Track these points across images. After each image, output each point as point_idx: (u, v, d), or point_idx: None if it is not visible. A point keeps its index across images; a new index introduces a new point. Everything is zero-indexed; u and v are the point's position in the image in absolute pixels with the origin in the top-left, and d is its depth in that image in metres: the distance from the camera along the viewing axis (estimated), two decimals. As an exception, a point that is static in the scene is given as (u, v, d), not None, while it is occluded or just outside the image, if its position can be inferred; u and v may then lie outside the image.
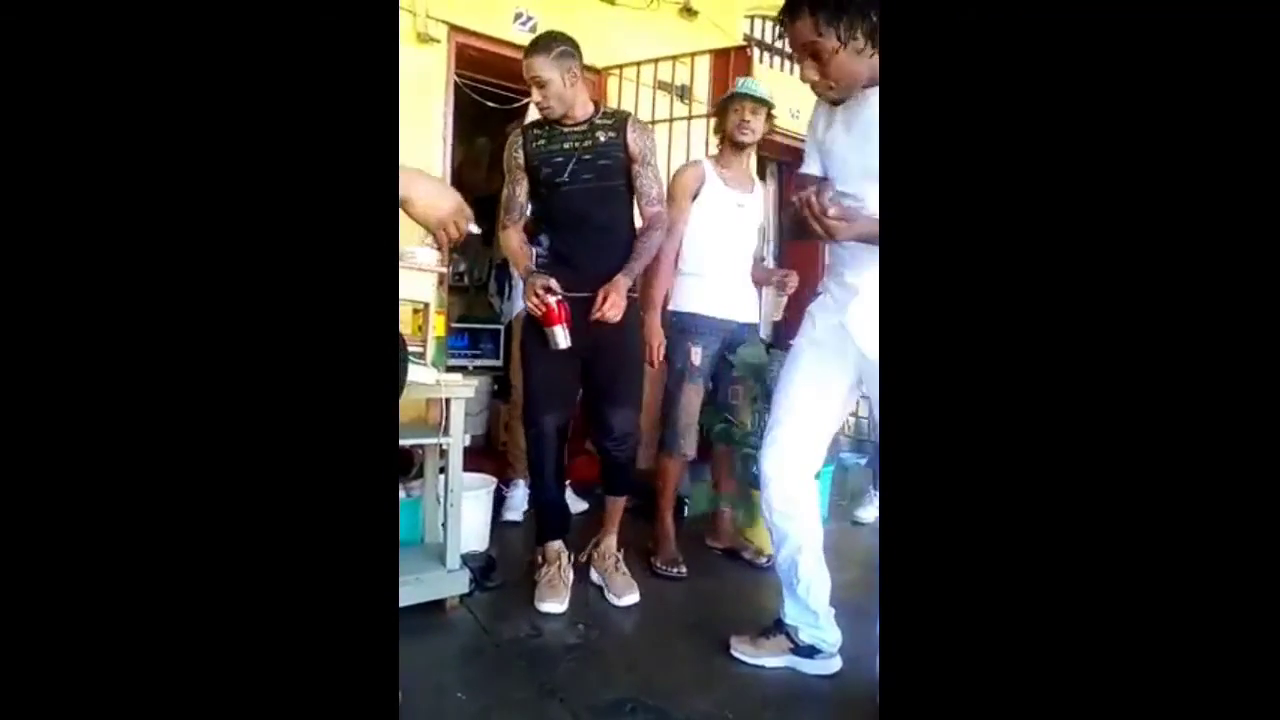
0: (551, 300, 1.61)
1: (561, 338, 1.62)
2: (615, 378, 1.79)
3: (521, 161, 1.76)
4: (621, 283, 1.65)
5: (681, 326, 2.06)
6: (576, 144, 1.71)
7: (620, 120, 1.74)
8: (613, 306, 1.62)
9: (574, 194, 1.71)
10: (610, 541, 1.91)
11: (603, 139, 1.71)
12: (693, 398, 2.06)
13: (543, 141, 1.74)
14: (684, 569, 2.01)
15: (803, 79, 1.25)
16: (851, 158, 1.24)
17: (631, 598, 1.79)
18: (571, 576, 1.81)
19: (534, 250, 1.81)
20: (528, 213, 1.80)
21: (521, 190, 1.78)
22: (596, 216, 1.73)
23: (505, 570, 1.94)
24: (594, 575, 1.89)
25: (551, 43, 1.64)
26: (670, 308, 2.09)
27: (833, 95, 1.26)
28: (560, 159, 1.71)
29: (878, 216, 1.16)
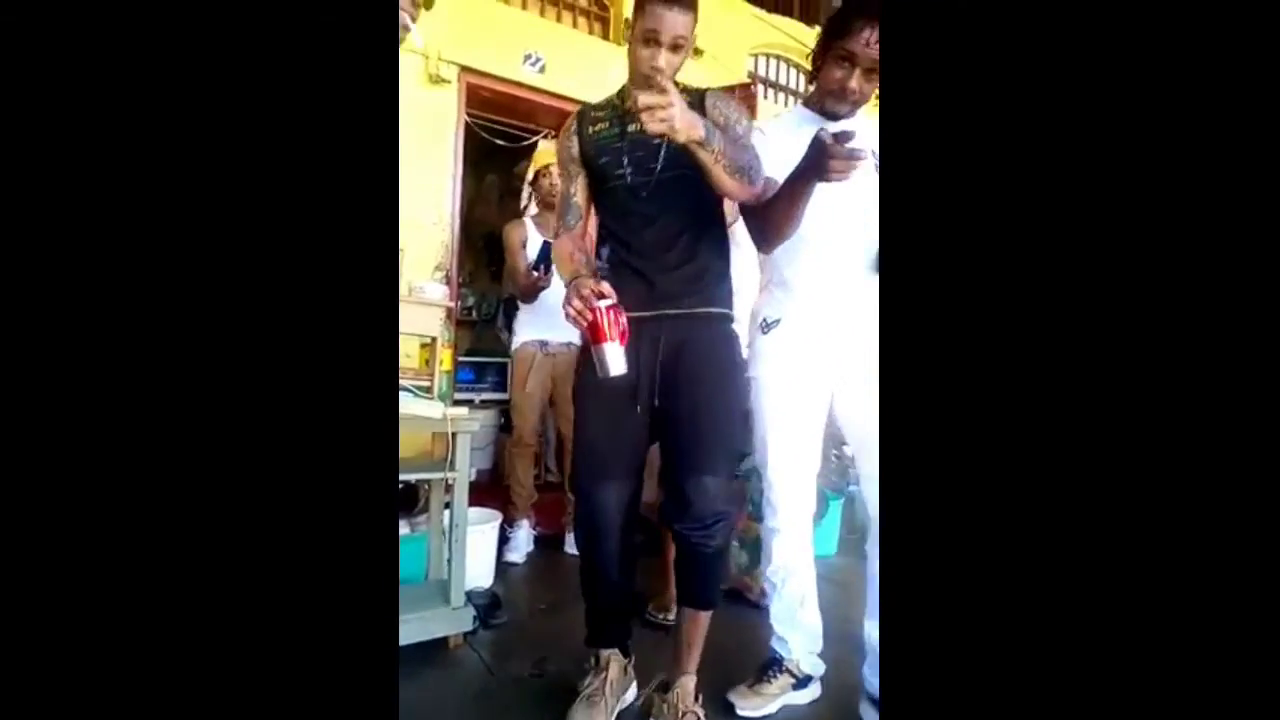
0: (601, 305, 1.14)
1: (614, 361, 1.15)
2: (703, 432, 1.25)
3: (576, 153, 1.34)
4: (687, 113, 1.09)
5: None
6: (642, 125, 1.16)
7: (698, 94, 1.29)
8: (662, 110, 1.05)
9: (639, 189, 1.27)
10: (687, 686, 1.33)
11: None
12: None
13: (603, 125, 1.32)
14: (671, 616, 1.78)
15: (849, 84, 1.27)
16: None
17: None
18: (627, 693, 1.43)
19: (595, 264, 1.40)
20: (582, 216, 1.38)
21: (578, 189, 1.36)
22: (669, 216, 1.28)
23: (510, 608, 1.91)
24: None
25: None
26: None
27: (844, 110, 1.31)
28: (619, 145, 1.29)
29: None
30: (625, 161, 1.28)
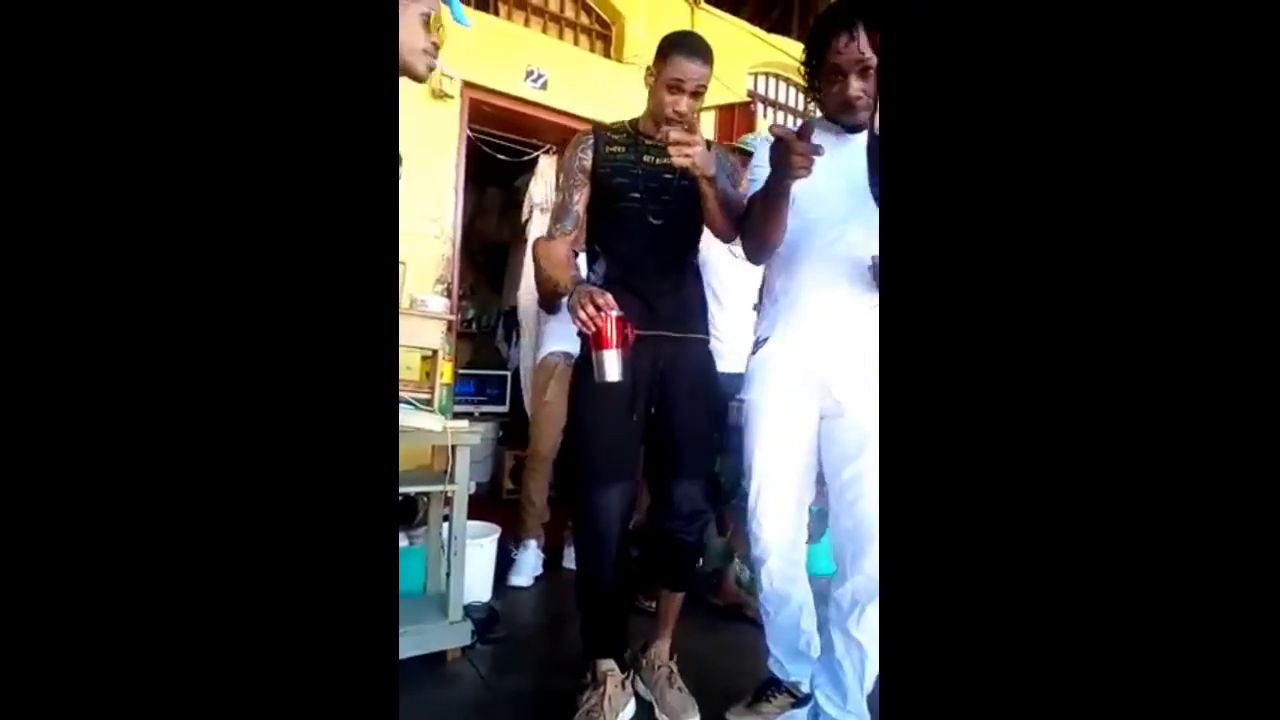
0: (612, 315, 1.24)
1: (612, 367, 1.24)
2: (688, 440, 1.44)
3: (588, 165, 1.46)
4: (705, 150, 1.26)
5: None
6: (656, 159, 1.42)
7: (706, 144, 1.45)
8: (693, 146, 1.22)
9: (647, 214, 1.42)
10: (663, 647, 1.55)
11: None
12: None
13: (620, 149, 1.46)
14: (654, 604, 1.82)
15: (849, 94, 1.24)
16: (813, 191, 1.20)
17: None
18: (625, 708, 1.45)
19: (589, 275, 1.52)
20: (578, 224, 1.50)
21: (580, 198, 1.47)
22: (666, 246, 1.45)
23: (509, 623, 1.90)
24: (639, 687, 1.53)
25: (708, 49, 1.39)
26: None
27: (860, 118, 1.25)
28: (639, 172, 1.43)
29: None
30: (640, 187, 1.43)
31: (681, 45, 1.35)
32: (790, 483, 1.34)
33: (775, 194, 1.15)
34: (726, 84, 3.83)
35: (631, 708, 1.46)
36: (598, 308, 1.23)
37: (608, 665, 1.44)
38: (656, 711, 1.46)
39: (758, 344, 1.38)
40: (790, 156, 1.04)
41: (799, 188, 1.15)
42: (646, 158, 1.44)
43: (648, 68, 1.42)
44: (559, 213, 1.49)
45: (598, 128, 1.52)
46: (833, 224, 1.24)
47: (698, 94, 1.36)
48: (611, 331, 1.23)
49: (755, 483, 1.36)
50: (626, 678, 1.47)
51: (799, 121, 1.33)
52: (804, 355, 1.29)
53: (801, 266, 1.29)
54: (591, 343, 1.27)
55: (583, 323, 1.25)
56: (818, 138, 1.14)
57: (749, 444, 1.37)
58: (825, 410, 1.29)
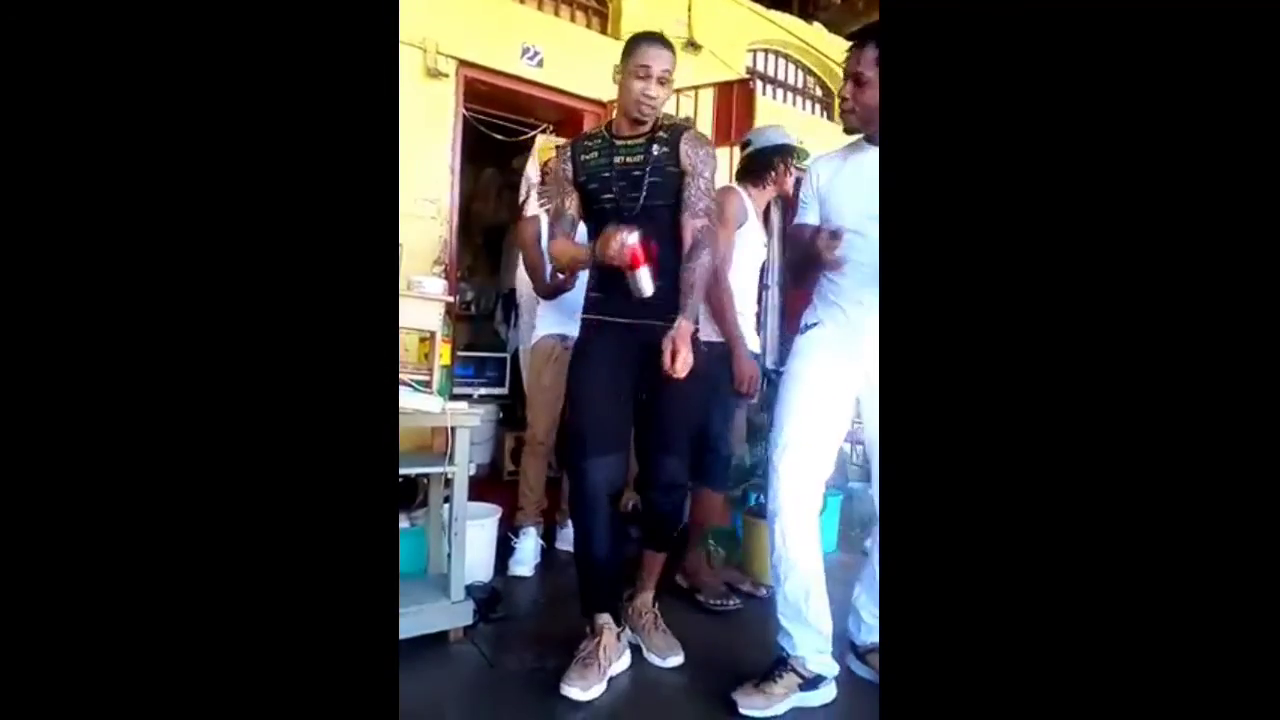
0: (634, 240, 1.39)
1: (645, 283, 1.43)
2: (670, 420, 1.59)
3: (570, 174, 1.61)
4: (686, 329, 1.44)
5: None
6: (626, 158, 1.55)
7: (676, 132, 1.57)
8: (684, 364, 1.42)
9: (619, 213, 1.52)
10: (646, 597, 1.74)
11: (655, 153, 1.53)
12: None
13: (593, 154, 1.59)
14: (729, 602, 2.03)
15: (849, 99, 1.45)
16: (852, 202, 1.44)
17: (676, 658, 1.63)
18: (620, 659, 1.58)
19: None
20: (575, 225, 1.65)
21: (571, 204, 1.62)
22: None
23: (510, 603, 1.91)
24: (628, 633, 1.68)
25: (668, 41, 1.54)
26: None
27: (854, 121, 1.47)
28: (608, 174, 1.56)
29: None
30: (613, 189, 1.55)
31: (642, 37, 1.52)
32: (816, 450, 1.48)
33: (812, 270, 1.46)
34: (725, 60, 3.79)
35: (627, 658, 1.60)
36: (621, 242, 1.38)
37: (604, 619, 1.57)
38: (645, 652, 1.65)
39: (806, 327, 1.56)
40: (816, 248, 1.29)
41: (837, 199, 1.47)
42: (618, 159, 1.55)
43: (615, 67, 1.55)
44: (557, 217, 1.64)
45: (575, 139, 1.67)
46: (868, 230, 1.39)
47: (664, 81, 1.49)
48: (640, 252, 1.39)
49: (782, 446, 1.49)
50: (621, 630, 1.60)
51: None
52: (848, 343, 1.46)
53: (847, 268, 1.46)
54: (627, 265, 1.41)
55: (613, 253, 1.39)
56: (853, 149, 1.50)
57: (782, 408, 1.53)
58: (861, 393, 1.48)
